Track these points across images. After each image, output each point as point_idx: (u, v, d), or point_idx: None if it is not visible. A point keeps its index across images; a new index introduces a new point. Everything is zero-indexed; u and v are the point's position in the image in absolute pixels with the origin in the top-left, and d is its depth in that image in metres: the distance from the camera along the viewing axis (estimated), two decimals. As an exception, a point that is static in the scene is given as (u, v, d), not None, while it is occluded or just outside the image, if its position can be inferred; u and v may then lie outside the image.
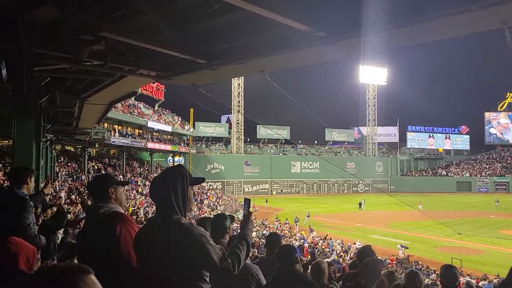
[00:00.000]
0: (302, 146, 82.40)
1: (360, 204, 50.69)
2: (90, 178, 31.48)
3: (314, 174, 76.46)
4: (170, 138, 58.44)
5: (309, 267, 6.00)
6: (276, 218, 37.98)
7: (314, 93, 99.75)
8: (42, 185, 7.52)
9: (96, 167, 38.40)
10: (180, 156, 61.58)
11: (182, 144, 60.65)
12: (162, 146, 53.20)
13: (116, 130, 44.28)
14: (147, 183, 41.24)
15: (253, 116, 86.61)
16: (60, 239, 6.88)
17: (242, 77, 63.78)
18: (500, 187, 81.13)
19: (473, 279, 17.59)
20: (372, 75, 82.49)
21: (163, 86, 56.65)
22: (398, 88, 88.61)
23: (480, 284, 16.20)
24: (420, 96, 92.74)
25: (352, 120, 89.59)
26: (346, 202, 58.63)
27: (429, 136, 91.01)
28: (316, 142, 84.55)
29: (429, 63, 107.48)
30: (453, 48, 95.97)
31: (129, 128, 48.95)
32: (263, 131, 75.12)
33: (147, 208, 30.91)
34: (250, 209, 3.11)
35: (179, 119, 63.51)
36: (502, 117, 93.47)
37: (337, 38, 4.90)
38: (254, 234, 25.73)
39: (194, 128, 67.88)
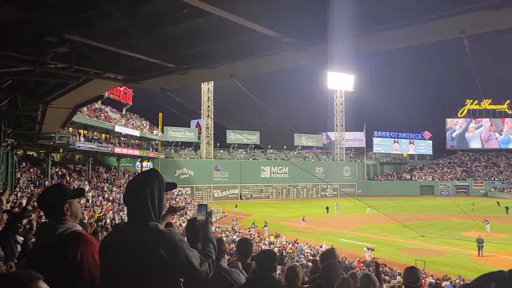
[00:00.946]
0: (271, 151, 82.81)
1: (327, 208, 51.34)
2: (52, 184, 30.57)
3: (283, 179, 76.99)
4: (138, 143, 57.48)
5: (284, 270, 6.04)
6: (253, 225, 37.75)
7: (283, 99, 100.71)
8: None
9: (60, 172, 37.26)
10: (148, 161, 60.65)
11: (151, 149, 59.74)
12: (130, 151, 52.18)
13: (82, 135, 43.15)
14: (114, 189, 40.36)
15: (223, 121, 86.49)
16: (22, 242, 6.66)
17: (212, 81, 63.57)
18: (461, 190, 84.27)
19: (436, 279, 18.12)
20: (340, 81, 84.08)
21: (131, 90, 55.75)
22: (364, 94, 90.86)
23: (442, 285, 16.70)
24: (385, 103, 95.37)
25: (320, 125, 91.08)
26: (314, 206, 59.26)
27: (394, 141, 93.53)
28: (285, 147, 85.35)
29: (394, 71, 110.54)
30: (416, 56, 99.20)
31: (95, 133, 47.80)
32: (233, 136, 75.06)
33: (114, 214, 30.20)
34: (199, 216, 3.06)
35: (148, 123, 62.61)
36: (462, 123, 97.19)
37: (305, 44, 4.98)
38: (223, 239, 25.55)
39: (163, 132, 67.09)
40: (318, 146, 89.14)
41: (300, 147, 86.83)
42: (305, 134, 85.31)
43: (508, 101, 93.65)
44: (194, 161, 71.38)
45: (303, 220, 41.24)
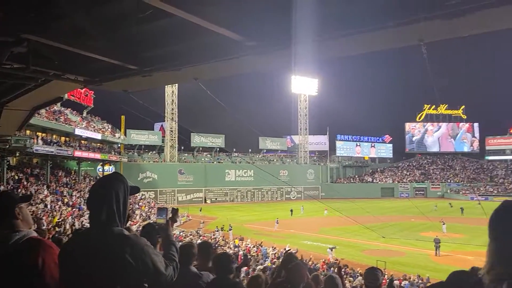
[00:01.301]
0: (236, 154, 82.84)
1: (291, 210, 51.87)
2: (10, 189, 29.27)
3: (248, 182, 77.11)
4: (99, 146, 55.97)
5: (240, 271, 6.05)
6: (216, 228, 37.53)
7: (249, 102, 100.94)
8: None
9: (16, 177, 35.72)
10: (110, 165, 59.12)
11: (113, 153, 58.36)
12: (91, 155, 50.72)
13: (40, 138, 41.57)
14: (74, 193, 39.12)
15: (188, 124, 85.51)
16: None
17: (176, 84, 62.94)
18: (419, 192, 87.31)
19: (396, 279, 18.67)
20: (304, 86, 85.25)
21: (92, 92, 54.28)
22: (328, 98, 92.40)
23: (402, 284, 17.23)
24: (348, 107, 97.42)
25: (285, 129, 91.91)
26: (279, 209, 59.64)
27: (356, 145, 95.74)
28: (250, 150, 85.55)
29: (356, 76, 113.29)
30: (377, 62, 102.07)
31: (54, 136, 46.13)
32: (197, 139, 74.53)
33: (73, 220, 29.28)
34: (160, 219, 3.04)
35: (110, 126, 61.09)
36: (420, 127, 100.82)
37: (269, 48, 5.03)
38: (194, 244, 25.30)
39: (125, 136, 65.74)
40: (282, 150, 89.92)
41: (265, 151, 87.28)
42: (270, 137, 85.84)
43: (463, 107, 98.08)
44: (158, 164, 70.29)
45: (276, 222, 41.83)
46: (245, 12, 4.50)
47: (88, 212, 2.46)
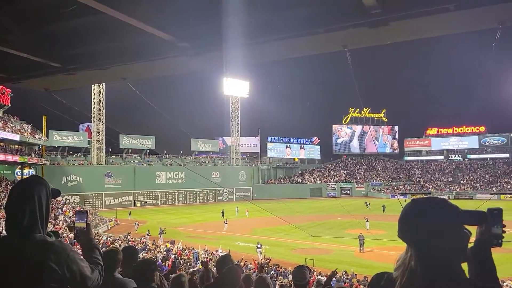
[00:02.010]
0: (167, 156, 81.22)
1: (223, 212, 51.83)
2: None
3: (179, 184, 75.88)
4: (18, 148, 52.10)
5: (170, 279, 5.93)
6: (148, 232, 36.48)
7: (180, 103, 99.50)
8: None
9: None
10: (30, 168, 55.29)
11: (33, 155, 54.60)
12: (8, 157, 47.11)
13: None
14: (-13, 199, 36.03)
15: (116, 125, 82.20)
16: None
17: (103, 84, 60.36)
18: (345, 192, 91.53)
19: (323, 276, 19.38)
20: (236, 88, 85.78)
21: (9, 91, 50.39)
22: (259, 101, 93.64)
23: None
24: (278, 109, 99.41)
25: (217, 130, 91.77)
26: (211, 211, 59.46)
27: (287, 147, 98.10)
28: (181, 152, 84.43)
29: (286, 79, 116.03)
30: (306, 65, 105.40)
31: (-36, 137, 42.26)
32: (126, 141, 72.02)
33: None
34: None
35: (30, 127, 57.07)
36: (346, 130, 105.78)
37: (200, 50, 5.01)
38: (119, 249, 24.36)
39: (47, 137, 61.83)
40: (214, 151, 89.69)
41: (196, 152, 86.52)
42: (201, 139, 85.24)
43: (384, 110, 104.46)
44: (83, 167, 66.94)
45: (225, 223, 41.86)
46: (176, 13, 4.46)
47: (5, 218, 2.29)
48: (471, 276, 1.72)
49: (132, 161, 75.78)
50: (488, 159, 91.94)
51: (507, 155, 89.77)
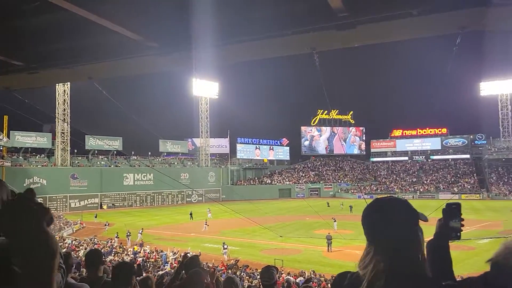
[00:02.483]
0: (135, 157, 79.85)
1: (191, 214, 51.42)
2: None
3: (147, 186, 74.69)
4: (-25, 149, 49.97)
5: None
6: (116, 235, 35.81)
7: (148, 104, 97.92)
8: None
9: None
10: (-11, 170, 53.14)
11: (-8, 156, 52.48)
12: (-35, 159, 45.08)
13: None
14: None
15: (82, 126, 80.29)
16: None
17: (69, 83, 58.70)
18: (314, 192, 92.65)
19: (292, 276, 19.58)
20: (205, 89, 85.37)
21: (-33, 88, 48.23)
22: (229, 102, 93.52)
23: (297, 280, 18.09)
24: (248, 111, 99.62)
25: (186, 131, 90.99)
26: (179, 213, 58.89)
27: (256, 148, 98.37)
28: (150, 153, 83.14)
29: (256, 80, 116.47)
30: (276, 67, 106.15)
31: None
32: (92, 142, 70.29)
33: None
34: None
35: (-12, 127, 54.90)
36: (314, 131, 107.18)
37: (169, 50, 4.97)
38: (81, 253, 23.81)
39: (8, 138, 59.62)
40: (183, 152, 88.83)
41: (165, 154, 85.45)
42: (170, 140, 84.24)
43: (351, 112, 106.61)
44: (47, 169, 64.85)
45: (206, 224, 41.71)
46: (144, 12, 4.41)
47: None
48: (428, 270, 1.80)
49: (98, 163, 74.03)
50: (450, 159, 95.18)
51: (467, 156, 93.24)
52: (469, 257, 22.98)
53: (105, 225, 42.46)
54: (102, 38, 4.95)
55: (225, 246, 28.94)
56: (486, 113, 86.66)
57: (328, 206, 60.94)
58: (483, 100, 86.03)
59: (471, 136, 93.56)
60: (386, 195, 2.00)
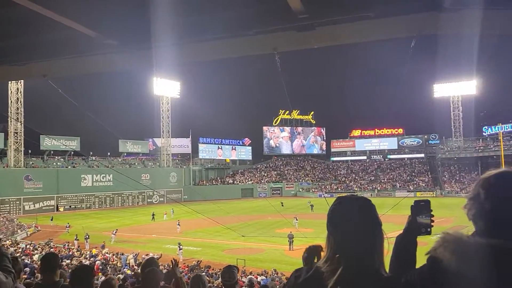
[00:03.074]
0: (94, 158, 77.58)
1: (153, 215, 50.57)
2: None
3: (107, 187, 72.74)
4: None
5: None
6: (76, 237, 34.70)
7: (108, 103, 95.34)
8: None
9: None
10: None
11: None
12: None
13: None
14: None
15: (36, 125, 77.07)
16: None
17: (22, 81, 56.21)
18: (276, 192, 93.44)
19: (254, 275, 19.65)
20: (166, 88, 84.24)
21: None
22: (190, 101, 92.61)
23: (259, 279, 18.18)
24: (210, 110, 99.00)
25: (146, 131, 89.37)
26: (140, 214, 57.81)
27: (218, 148, 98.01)
28: (109, 153, 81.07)
29: (218, 80, 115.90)
30: (237, 67, 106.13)
31: None
32: (48, 142, 67.71)
33: None
34: None
35: None
36: (276, 131, 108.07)
37: (129, 48, 4.87)
38: (36, 257, 22.89)
39: (-45, 137, 56.41)
40: (144, 153, 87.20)
41: (125, 154, 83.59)
42: (130, 140, 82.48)
43: (312, 112, 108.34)
44: (-2, 170, 61.89)
45: (178, 224, 41.01)
46: (102, 8, 4.29)
47: None
48: (391, 265, 1.87)
49: (54, 164, 71.40)
50: (406, 159, 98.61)
51: (422, 155, 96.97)
52: (420, 252, 23.87)
53: (66, 227, 41.28)
54: (55, 34, 4.77)
55: (181, 247, 28.77)
56: (439, 114, 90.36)
57: (282, 206, 60.58)
58: (437, 102, 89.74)
59: (426, 136, 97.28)
60: (348, 194, 2.06)
